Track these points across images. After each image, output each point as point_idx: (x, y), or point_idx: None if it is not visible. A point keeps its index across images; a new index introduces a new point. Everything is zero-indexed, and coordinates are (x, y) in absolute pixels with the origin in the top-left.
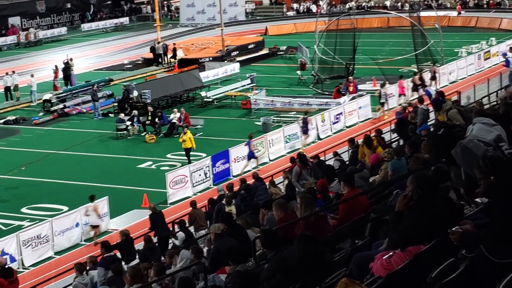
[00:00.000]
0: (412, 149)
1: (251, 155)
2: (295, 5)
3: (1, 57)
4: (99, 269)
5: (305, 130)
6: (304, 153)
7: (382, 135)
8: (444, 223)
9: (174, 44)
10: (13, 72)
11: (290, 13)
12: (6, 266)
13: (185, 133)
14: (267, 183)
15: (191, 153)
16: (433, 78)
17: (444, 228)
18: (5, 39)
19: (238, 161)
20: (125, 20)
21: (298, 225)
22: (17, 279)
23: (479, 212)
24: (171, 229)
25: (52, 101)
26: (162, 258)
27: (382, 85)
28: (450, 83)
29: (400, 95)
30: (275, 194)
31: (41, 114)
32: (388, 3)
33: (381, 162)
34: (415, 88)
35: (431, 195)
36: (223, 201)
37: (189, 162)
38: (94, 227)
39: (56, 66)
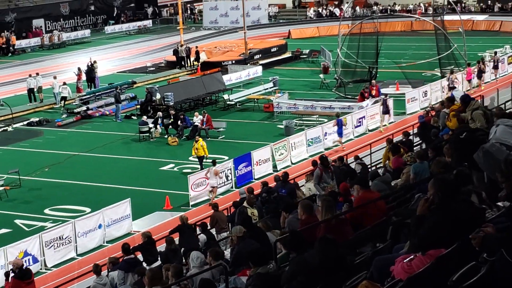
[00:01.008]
0: (434, 152)
1: (340, 132)
2: (319, 9)
3: (25, 59)
4: (118, 272)
5: (385, 111)
6: (326, 156)
7: (410, 137)
8: (466, 227)
9: (196, 47)
10: (37, 74)
11: (311, 12)
12: (24, 268)
13: (197, 141)
14: None
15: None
16: (496, 67)
17: (465, 232)
18: (29, 41)
19: (260, 164)
20: (148, 22)
21: (319, 228)
22: (33, 281)
23: (501, 216)
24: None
25: (68, 98)
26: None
27: (451, 72)
28: (473, 87)
29: (468, 80)
30: (297, 197)
31: (64, 116)
32: (411, 7)
33: (403, 166)
34: (480, 75)
35: (452, 198)
36: (244, 204)
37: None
38: (213, 187)
39: (79, 69)
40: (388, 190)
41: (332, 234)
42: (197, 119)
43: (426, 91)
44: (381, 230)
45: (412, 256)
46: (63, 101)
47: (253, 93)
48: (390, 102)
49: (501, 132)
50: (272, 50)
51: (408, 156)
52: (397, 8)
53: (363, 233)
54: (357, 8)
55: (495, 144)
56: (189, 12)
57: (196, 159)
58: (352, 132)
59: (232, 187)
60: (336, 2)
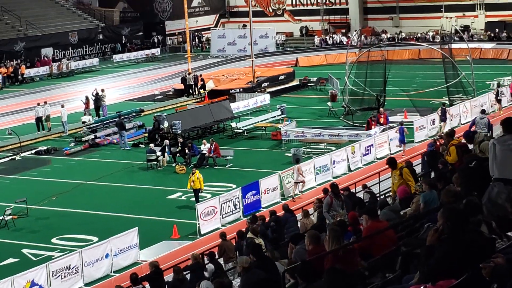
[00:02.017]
0: (443, 181)
1: (402, 140)
2: (326, 37)
3: (33, 88)
4: None
5: (443, 119)
6: (337, 184)
7: (413, 167)
8: (476, 257)
9: (201, 75)
10: (45, 102)
11: (317, 40)
12: None
13: (193, 173)
14: (297, 215)
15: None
16: None
17: (476, 262)
18: (37, 69)
19: (268, 193)
20: (156, 51)
21: (327, 258)
22: None
23: (511, 246)
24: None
25: (87, 123)
26: None
27: (498, 85)
28: None
29: None
30: (307, 225)
31: (72, 144)
32: (419, 35)
33: (411, 195)
34: None
35: (462, 228)
36: (249, 234)
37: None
38: (297, 183)
39: (86, 97)
40: (397, 219)
41: (340, 264)
42: (205, 147)
43: (434, 119)
44: (391, 260)
45: (422, 287)
46: (85, 125)
47: (260, 121)
48: (449, 111)
49: (501, 165)
50: (280, 78)
51: (417, 186)
52: (402, 36)
53: (372, 263)
54: (363, 36)
55: (501, 196)
56: (197, 40)
57: (205, 188)
58: (360, 160)
59: (240, 216)
60: (343, 31)
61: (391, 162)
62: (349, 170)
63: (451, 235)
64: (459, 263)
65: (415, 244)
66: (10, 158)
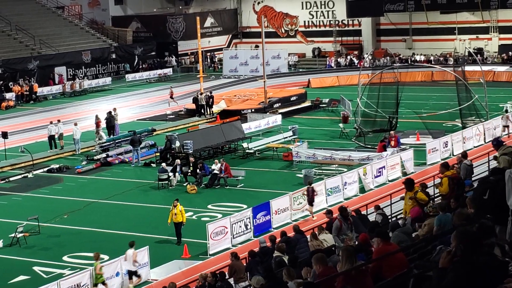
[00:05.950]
0: (456, 204)
1: None
2: (338, 59)
3: (46, 106)
4: None
5: None
6: (346, 207)
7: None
8: (488, 280)
9: (210, 92)
10: (58, 121)
11: (332, 61)
12: None
13: (175, 206)
14: (308, 236)
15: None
16: None
17: (488, 285)
18: (50, 88)
19: (279, 213)
20: (168, 70)
21: (338, 278)
22: None
23: None
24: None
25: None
26: None
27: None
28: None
29: None
30: (316, 246)
31: (84, 163)
32: (432, 57)
33: (423, 216)
34: None
35: (474, 251)
36: (277, 253)
37: (179, 241)
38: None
39: (96, 116)
40: (409, 242)
41: (352, 285)
42: (216, 167)
43: (447, 141)
44: (402, 282)
45: None
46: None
47: (272, 141)
48: None
49: None
50: (292, 99)
51: (430, 207)
52: (414, 58)
53: (383, 285)
54: (372, 57)
55: None
56: (209, 60)
57: (216, 207)
58: (372, 182)
59: (251, 237)
60: (356, 52)
61: (409, 183)
62: (361, 191)
63: (464, 258)
64: (471, 286)
65: (427, 266)
66: (22, 175)
